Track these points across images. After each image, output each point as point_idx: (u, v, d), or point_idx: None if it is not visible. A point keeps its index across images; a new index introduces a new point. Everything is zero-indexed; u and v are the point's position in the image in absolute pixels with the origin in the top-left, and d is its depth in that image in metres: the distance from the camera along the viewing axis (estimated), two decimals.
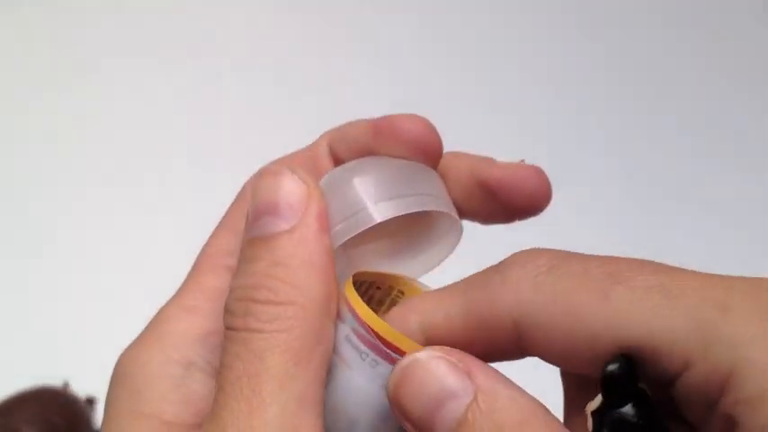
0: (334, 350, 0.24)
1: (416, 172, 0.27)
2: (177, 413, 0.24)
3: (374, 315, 0.24)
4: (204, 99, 0.79)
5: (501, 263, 0.24)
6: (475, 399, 0.21)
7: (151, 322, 0.27)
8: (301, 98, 0.79)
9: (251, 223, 0.24)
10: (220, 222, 0.29)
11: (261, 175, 0.24)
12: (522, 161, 0.28)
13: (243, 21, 0.84)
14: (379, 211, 0.25)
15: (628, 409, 0.21)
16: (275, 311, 0.22)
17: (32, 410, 0.59)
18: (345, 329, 0.24)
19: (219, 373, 0.23)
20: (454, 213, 0.27)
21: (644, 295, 0.21)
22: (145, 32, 0.82)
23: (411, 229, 0.28)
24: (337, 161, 0.29)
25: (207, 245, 0.28)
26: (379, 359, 0.23)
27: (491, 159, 0.28)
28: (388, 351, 0.23)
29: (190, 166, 0.75)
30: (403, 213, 0.25)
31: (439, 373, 0.22)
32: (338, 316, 0.24)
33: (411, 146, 0.27)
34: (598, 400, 0.21)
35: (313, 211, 0.24)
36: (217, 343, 0.26)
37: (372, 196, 0.25)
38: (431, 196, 0.26)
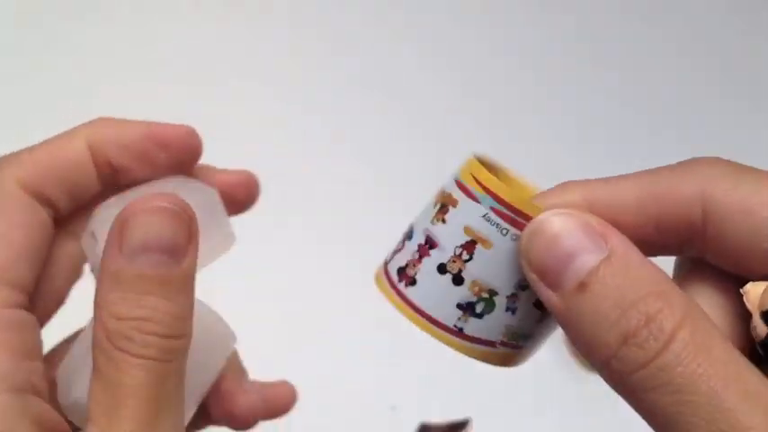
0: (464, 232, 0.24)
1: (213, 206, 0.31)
2: None
3: (518, 193, 0.24)
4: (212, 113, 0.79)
5: (682, 162, 0.25)
6: (609, 256, 0.22)
7: None
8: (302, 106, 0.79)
9: (135, 253, 0.25)
10: None
11: (144, 211, 0.26)
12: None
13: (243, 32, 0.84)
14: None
15: None
16: (175, 345, 0.26)
17: None
18: (480, 209, 0.25)
19: (119, 391, 0.25)
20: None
21: None
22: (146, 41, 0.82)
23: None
24: (105, 165, 0.32)
25: None
26: (519, 233, 0.24)
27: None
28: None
29: None
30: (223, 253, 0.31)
31: (575, 228, 0.23)
32: (470, 196, 0.25)
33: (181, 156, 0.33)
34: None
35: (196, 246, 0.26)
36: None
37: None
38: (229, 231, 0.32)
